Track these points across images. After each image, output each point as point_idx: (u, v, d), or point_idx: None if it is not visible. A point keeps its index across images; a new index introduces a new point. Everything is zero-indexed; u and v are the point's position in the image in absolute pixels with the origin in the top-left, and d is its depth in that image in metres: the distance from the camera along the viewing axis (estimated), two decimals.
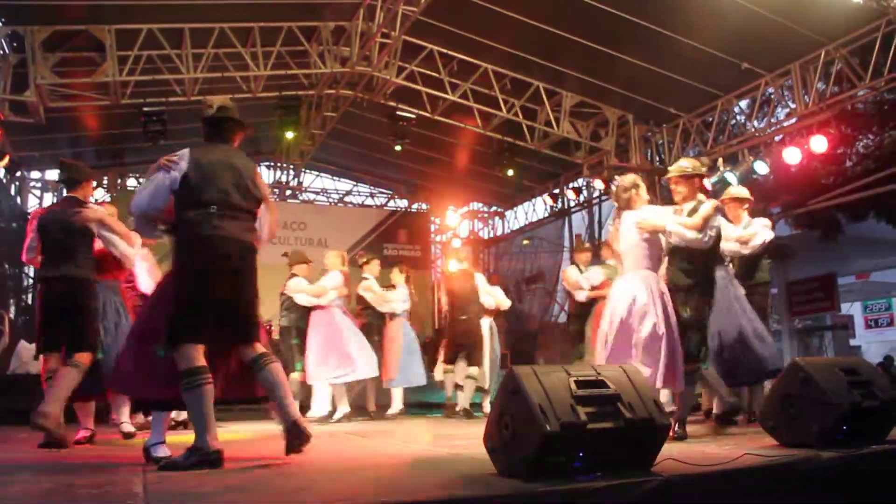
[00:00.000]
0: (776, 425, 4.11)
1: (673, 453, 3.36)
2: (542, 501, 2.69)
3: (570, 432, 2.88)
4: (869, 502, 3.43)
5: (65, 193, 5.57)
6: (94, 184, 5.77)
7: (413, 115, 12.01)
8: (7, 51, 9.45)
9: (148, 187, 3.87)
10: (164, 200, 3.84)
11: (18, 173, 14.08)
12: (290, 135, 11.97)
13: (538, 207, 16.64)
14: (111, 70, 9.64)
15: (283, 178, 16.76)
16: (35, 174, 14.80)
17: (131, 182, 15.05)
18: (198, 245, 3.79)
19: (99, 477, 3.44)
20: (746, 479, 3.17)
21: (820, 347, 18.73)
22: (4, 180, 13.56)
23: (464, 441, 4.23)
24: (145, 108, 10.69)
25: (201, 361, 3.64)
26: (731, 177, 10.51)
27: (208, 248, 3.77)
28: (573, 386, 3.05)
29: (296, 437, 3.74)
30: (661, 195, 12.27)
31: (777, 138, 10.53)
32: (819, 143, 9.56)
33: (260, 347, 3.89)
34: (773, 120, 10.62)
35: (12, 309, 13.32)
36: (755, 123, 10.94)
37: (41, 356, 5.23)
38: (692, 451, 3.86)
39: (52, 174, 14.68)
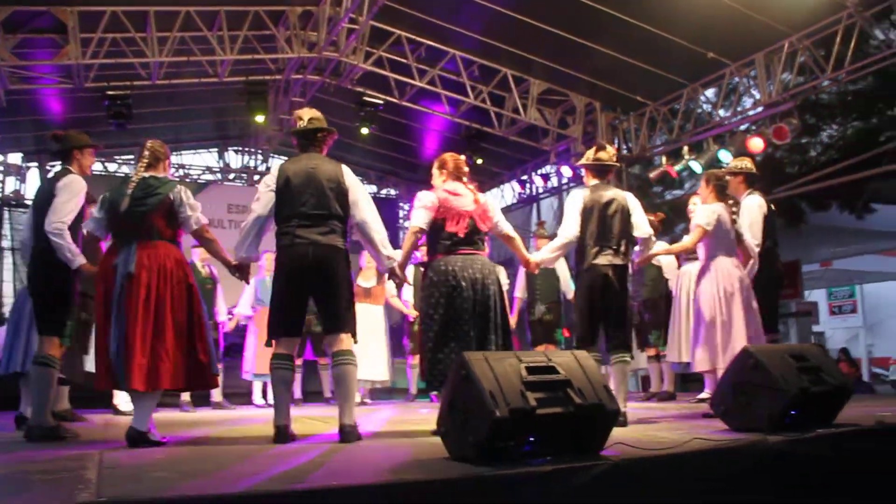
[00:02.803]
0: (727, 410, 4.19)
1: (625, 438, 3.42)
2: (491, 485, 2.73)
3: (520, 417, 2.92)
4: (814, 483, 3.51)
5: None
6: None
7: (381, 101, 12.01)
8: None
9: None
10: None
11: None
12: (260, 119, 11.96)
13: (507, 194, 16.69)
14: (74, 53, 9.51)
15: (252, 164, 16.66)
16: None
17: (97, 167, 14.88)
18: (282, 253, 4.33)
19: (55, 463, 3.43)
20: (694, 462, 3.23)
21: (786, 334, 19.00)
22: None
23: (421, 426, 4.29)
24: (109, 92, 10.60)
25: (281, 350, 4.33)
26: (695, 165, 10.66)
27: (290, 256, 4.29)
28: (524, 372, 3.09)
29: (345, 438, 4.11)
30: (629, 183, 12.39)
31: (742, 127, 10.63)
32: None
33: (344, 345, 4.29)
34: (738, 109, 10.71)
35: None
36: (721, 112, 11.04)
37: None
38: (644, 435, 3.93)
39: (15, 157, 14.48)
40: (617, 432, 3.38)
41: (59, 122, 12.43)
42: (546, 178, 14.93)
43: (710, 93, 11.16)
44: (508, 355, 3.22)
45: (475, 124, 12.68)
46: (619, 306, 5.15)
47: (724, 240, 5.70)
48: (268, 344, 4.37)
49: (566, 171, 13.20)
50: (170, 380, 4.17)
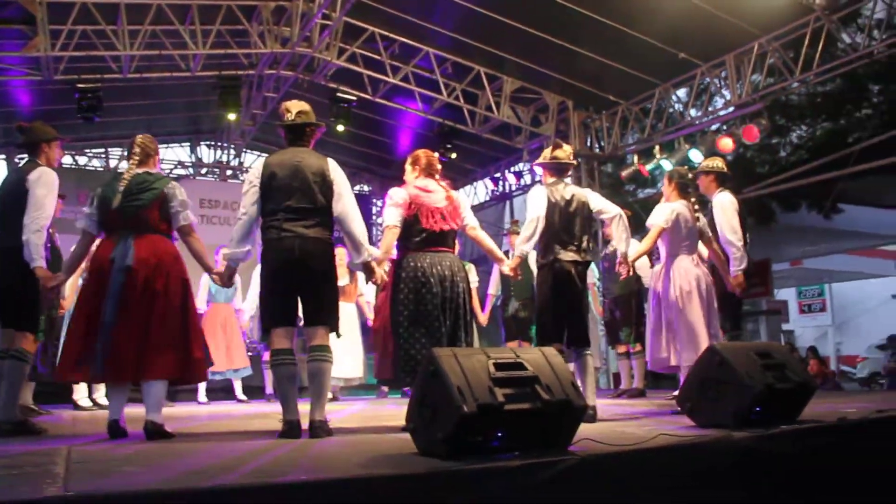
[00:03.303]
0: (694, 407, 4.25)
1: (592, 434, 3.45)
2: (459, 479, 2.75)
3: (488, 413, 2.95)
4: (779, 479, 3.57)
5: None
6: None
7: (354, 98, 11.98)
8: None
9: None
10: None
11: None
12: (232, 116, 11.89)
13: (480, 191, 16.73)
14: (43, 44, 9.38)
15: (224, 159, 16.56)
16: None
17: (66, 160, 14.70)
18: (268, 247, 4.29)
19: (23, 457, 3.40)
20: (659, 458, 3.27)
21: (756, 332, 19.21)
22: None
23: (390, 422, 4.31)
24: (80, 85, 10.47)
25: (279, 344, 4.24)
26: (667, 164, 10.74)
27: (276, 249, 4.25)
28: (492, 368, 3.12)
29: (315, 434, 4.11)
30: (600, 181, 12.48)
31: (713, 127, 10.76)
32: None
33: (322, 340, 4.27)
34: (709, 109, 10.83)
35: None
36: (692, 112, 11.14)
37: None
38: (612, 431, 3.97)
39: None
40: (585, 428, 3.41)
41: (28, 115, 12.27)
42: (519, 175, 15.00)
43: (681, 93, 11.26)
44: (477, 351, 3.24)
45: (448, 121, 12.69)
46: (580, 302, 5.22)
47: (685, 238, 5.74)
48: (263, 338, 4.36)
49: (539, 169, 13.23)
50: (160, 371, 4.17)
